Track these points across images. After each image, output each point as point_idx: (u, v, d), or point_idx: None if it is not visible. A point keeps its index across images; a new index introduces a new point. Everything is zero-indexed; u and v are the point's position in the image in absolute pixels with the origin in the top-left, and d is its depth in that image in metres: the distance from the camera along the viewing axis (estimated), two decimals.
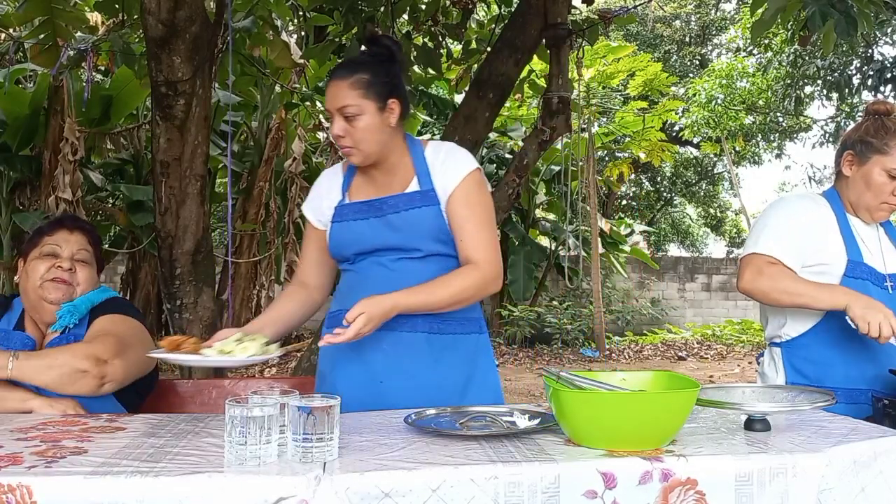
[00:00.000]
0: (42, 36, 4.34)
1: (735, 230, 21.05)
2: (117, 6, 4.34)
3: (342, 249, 1.82)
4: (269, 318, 1.86)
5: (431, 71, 5.12)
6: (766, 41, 10.94)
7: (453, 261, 1.79)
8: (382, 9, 4.52)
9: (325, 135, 8.02)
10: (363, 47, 1.84)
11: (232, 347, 1.58)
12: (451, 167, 1.78)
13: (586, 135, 10.86)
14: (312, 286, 1.93)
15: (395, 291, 1.64)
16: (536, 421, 1.41)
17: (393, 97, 1.74)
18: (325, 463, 1.18)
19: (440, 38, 4.91)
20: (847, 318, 1.77)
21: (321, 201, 1.88)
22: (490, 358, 1.89)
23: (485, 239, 1.76)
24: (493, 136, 10.81)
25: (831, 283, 1.84)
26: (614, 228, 12.27)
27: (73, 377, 1.63)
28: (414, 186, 1.79)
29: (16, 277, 1.93)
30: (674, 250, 20.68)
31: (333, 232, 1.83)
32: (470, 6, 4.68)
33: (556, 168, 11.02)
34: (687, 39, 16.18)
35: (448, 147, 1.84)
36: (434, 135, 10.46)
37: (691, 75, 15.19)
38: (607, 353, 10.37)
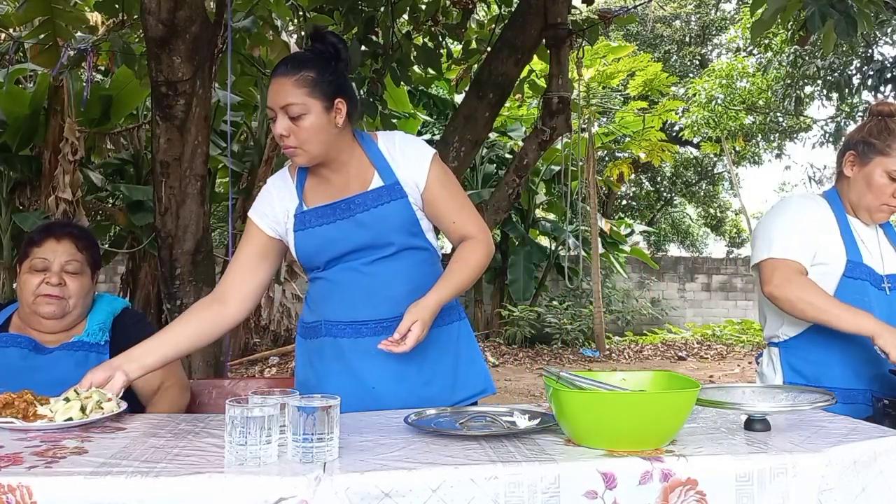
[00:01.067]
0: (42, 36, 4.34)
1: (735, 230, 21.04)
2: (117, 6, 4.34)
3: (312, 258, 1.77)
4: (159, 341, 1.71)
5: (431, 71, 5.12)
6: (766, 41, 10.93)
7: (423, 253, 1.78)
8: (382, 9, 4.53)
9: None
10: (308, 44, 1.76)
11: (59, 408, 1.46)
12: (414, 158, 1.76)
13: (586, 135, 10.86)
14: (232, 300, 1.77)
15: (431, 290, 1.65)
16: (536, 421, 1.41)
17: (339, 97, 1.69)
18: (325, 463, 1.18)
19: (440, 38, 4.91)
20: (875, 346, 1.75)
21: (272, 208, 1.79)
22: (472, 342, 1.88)
23: (472, 213, 1.80)
24: (493, 136, 10.81)
25: (858, 309, 1.81)
26: (614, 228, 12.27)
27: (181, 399, 1.96)
28: (377, 182, 1.75)
29: (14, 284, 1.98)
30: (674, 250, 20.68)
31: (299, 241, 1.76)
32: (470, 6, 4.69)
33: (556, 168, 11.02)
34: (687, 39, 16.17)
35: (400, 137, 1.81)
36: (434, 135, 10.46)
37: (691, 75, 15.18)
38: (607, 353, 10.37)
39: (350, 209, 1.73)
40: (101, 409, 1.49)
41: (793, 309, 1.84)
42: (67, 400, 1.49)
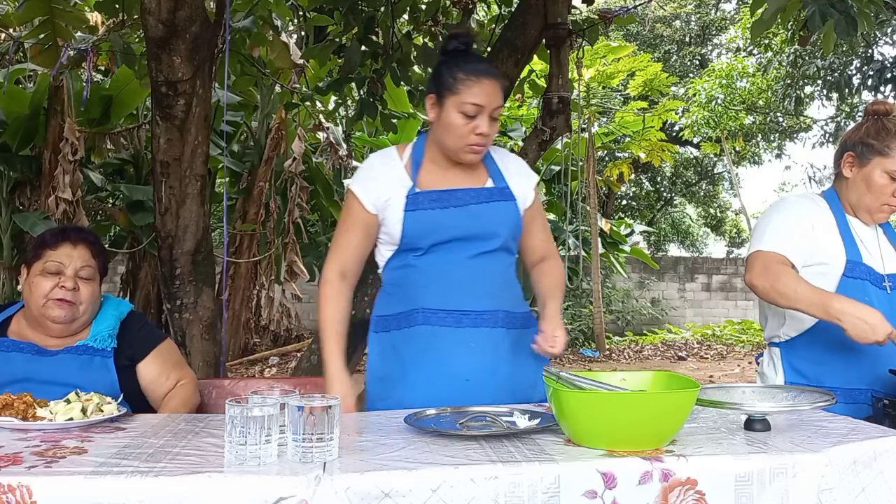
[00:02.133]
0: (42, 36, 4.34)
1: (735, 230, 21.03)
2: (117, 6, 4.33)
3: (417, 239, 1.80)
4: (340, 342, 1.82)
5: (431, 71, 5.11)
6: (766, 41, 10.93)
7: (512, 258, 1.91)
8: (382, 9, 4.52)
9: (325, 135, 8.01)
10: (453, 43, 1.90)
11: (59, 409, 1.48)
12: (525, 175, 1.94)
13: (586, 135, 10.86)
14: (352, 275, 1.87)
15: (549, 302, 1.84)
16: (536, 421, 1.41)
17: None
18: (325, 463, 1.18)
19: (440, 38, 4.91)
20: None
21: (377, 183, 1.83)
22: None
23: (552, 237, 2.03)
24: None
25: (829, 293, 1.80)
26: (614, 228, 12.25)
27: (196, 396, 2.01)
28: (490, 184, 1.86)
29: (19, 286, 1.95)
30: (674, 250, 20.66)
31: (408, 221, 1.79)
32: (470, 6, 4.68)
33: (556, 168, 11.01)
34: (687, 39, 16.17)
35: (509, 153, 2.00)
36: None
37: (691, 75, 15.18)
38: (607, 353, 10.37)
39: (465, 199, 1.82)
40: (102, 411, 1.50)
41: (766, 297, 1.87)
42: (68, 402, 1.49)
